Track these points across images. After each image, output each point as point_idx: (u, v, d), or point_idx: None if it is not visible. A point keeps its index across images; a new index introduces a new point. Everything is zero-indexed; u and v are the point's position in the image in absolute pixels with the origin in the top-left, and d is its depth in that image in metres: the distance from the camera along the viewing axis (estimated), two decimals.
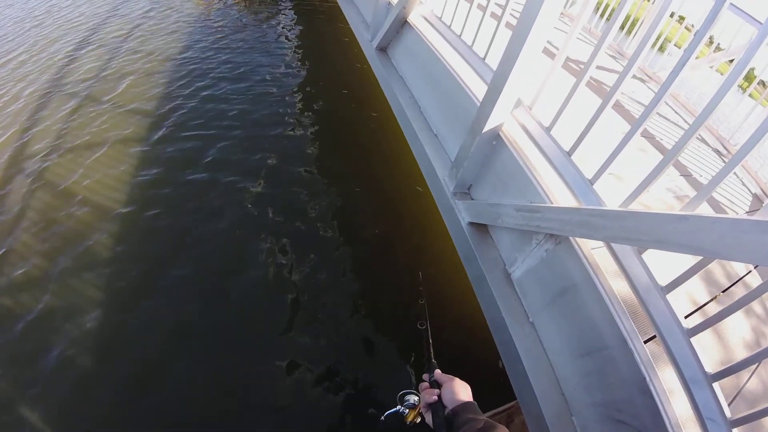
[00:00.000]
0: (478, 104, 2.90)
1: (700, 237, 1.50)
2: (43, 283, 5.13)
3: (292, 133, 8.48)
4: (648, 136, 4.01)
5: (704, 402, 1.71)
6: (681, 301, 2.39)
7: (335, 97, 10.06)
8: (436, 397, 1.51)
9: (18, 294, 5.01)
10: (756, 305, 2.83)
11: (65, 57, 9.90)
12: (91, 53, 10.09)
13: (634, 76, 5.95)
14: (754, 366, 2.11)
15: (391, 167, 7.72)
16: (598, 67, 5.16)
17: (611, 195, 2.18)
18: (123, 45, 10.57)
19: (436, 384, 1.59)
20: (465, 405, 1.43)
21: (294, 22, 14.02)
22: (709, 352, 2.24)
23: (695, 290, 2.57)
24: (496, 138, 2.86)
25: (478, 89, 3.14)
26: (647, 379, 1.83)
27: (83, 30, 11.22)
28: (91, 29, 11.26)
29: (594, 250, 2.27)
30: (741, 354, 2.27)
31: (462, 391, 1.50)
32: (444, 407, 1.47)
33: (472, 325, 3.98)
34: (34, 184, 6.43)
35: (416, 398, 1.66)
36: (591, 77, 4.56)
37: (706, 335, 2.27)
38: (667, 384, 1.84)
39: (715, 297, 2.60)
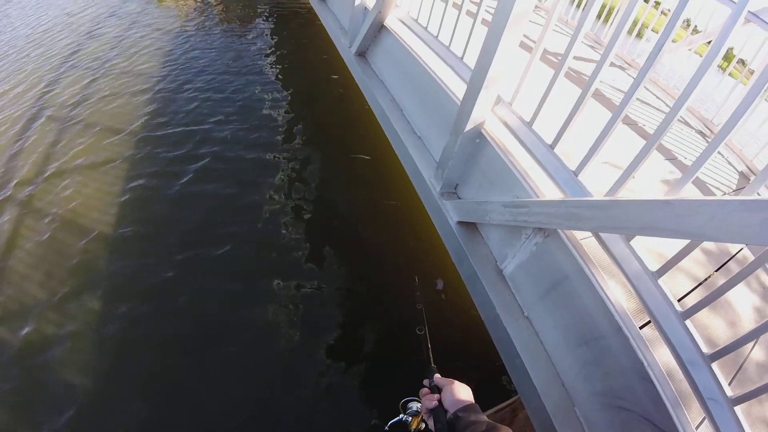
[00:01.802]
0: (459, 104, 2.90)
1: (687, 221, 1.50)
2: (39, 310, 5.08)
3: (279, 143, 8.51)
4: (631, 123, 4.03)
5: (704, 383, 1.72)
6: (676, 283, 2.41)
7: (321, 102, 10.15)
8: (436, 402, 1.49)
9: (12, 322, 4.95)
10: (753, 280, 2.86)
11: (47, 83, 9.81)
12: (71, 77, 10.02)
13: (614, 65, 5.98)
14: (753, 342, 2.13)
15: (383, 173, 7.77)
16: (578, 58, 5.23)
17: (603, 184, 2.17)
18: (103, 66, 10.50)
19: (436, 389, 1.58)
20: (466, 408, 1.41)
21: (273, 29, 14.04)
22: (709, 330, 2.25)
23: (689, 270, 2.59)
24: (478, 136, 2.87)
25: (458, 89, 3.15)
26: (645, 364, 1.83)
27: (63, 54, 11.13)
28: (70, 52, 11.19)
29: (583, 241, 2.27)
30: (742, 330, 2.28)
31: (462, 394, 1.49)
32: (445, 411, 1.46)
33: (469, 324, 3.98)
34: (23, 211, 6.39)
35: (418, 405, 1.64)
36: (571, 69, 4.62)
37: (705, 314, 2.29)
38: (666, 367, 1.84)
39: (710, 276, 2.61)
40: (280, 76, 11.13)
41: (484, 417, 1.37)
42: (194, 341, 4.92)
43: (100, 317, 5.05)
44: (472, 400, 1.48)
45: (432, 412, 1.49)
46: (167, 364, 4.67)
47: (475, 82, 2.64)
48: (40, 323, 4.94)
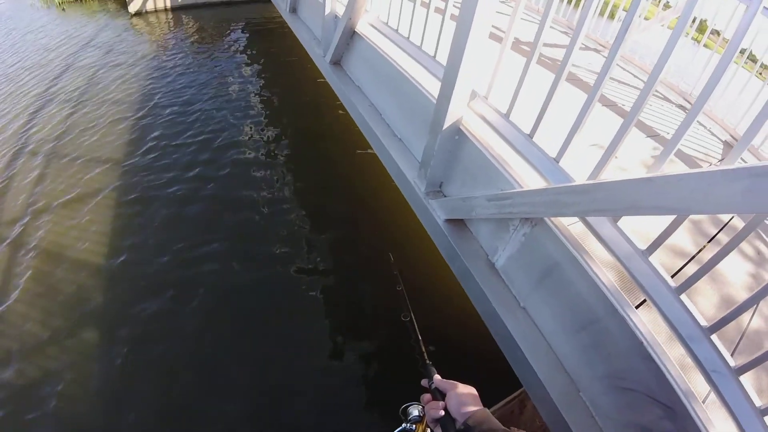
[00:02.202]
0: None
1: (670, 197, 1.50)
2: (43, 348, 5.07)
3: (263, 159, 8.65)
4: (611, 104, 4.02)
5: (705, 356, 1.71)
6: (670, 258, 2.41)
7: (300, 112, 10.32)
8: (442, 411, 1.38)
9: (20, 363, 4.92)
10: (747, 247, 2.87)
11: (29, 119, 9.75)
12: (53, 111, 9.99)
13: (588, 48, 5.99)
14: (752, 310, 2.12)
15: (360, 168, 7.94)
16: (552, 45, 5.22)
17: (591, 168, 2.15)
18: (85, 97, 10.51)
19: (437, 392, 1.48)
20: (476, 416, 1.30)
21: (250, 44, 14.16)
22: (707, 302, 2.26)
23: (682, 244, 2.60)
24: (457, 133, 2.86)
25: (434, 88, 3.13)
26: (645, 343, 1.82)
27: (43, 89, 11.07)
28: (51, 87, 11.14)
29: (571, 226, 2.27)
30: (741, 298, 2.28)
31: (469, 399, 1.38)
32: (453, 420, 1.35)
33: (466, 319, 3.96)
34: (18, 251, 6.36)
35: (420, 408, 1.57)
36: (546, 56, 4.63)
37: (701, 286, 2.29)
38: (666, 345, 1.84)
39: (702, 248, 2.61)
40: (265, 87, 11.35)
41: (496, 424, 1.27)
42: (193, 351, 5.05)
43: (104, 347, 5.10)
44: (480, 405, 1.37)
45: (439, 422, 1.39)
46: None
47: (449, 78, 2.63)
48: (48, 360, 4.95)
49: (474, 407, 1.35)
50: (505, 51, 2.53)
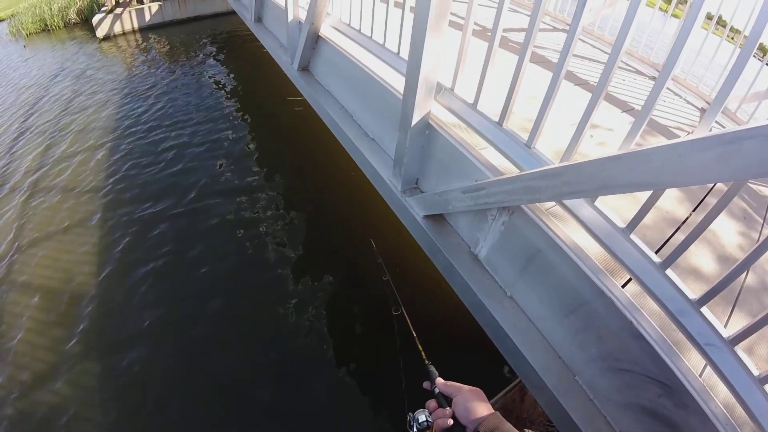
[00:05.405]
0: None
1: (641, 172, 1.48)
2: (50, 379, 5.06)
3: (238, 164, 8.89)
4: (582, 83, 3.99)
5: (697, 330, 1.68)
6: (660, 226, 2.39)
7: (276, 116, 10.56)
8: (451, 420, 1.32)
9: (25, 396, 4.92)
10: (735, 209, 2.88)
11: (6, 153, 9.74)
12: (30, 144, 9.96)
13: (557, 29, 5.97)
14: (743, 276, 2.09)
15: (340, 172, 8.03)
16: (519, 30, 5.18)
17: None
18: (61, 127, 10.48)
19: (442, 397, 1.43)
20: (488, 423, 1.24)
21: (220, 57, 14.26)
22: (698, 271, 2.24)
23: (671, 208, 2.61)
24: (427, 127, 2.83)
25: (400, 85, 3.09)
26: (635, 322, 1.80)
27: (17, 122, 11.04)
28: (25, 119, 11.10)
29: (549, 210, 2.25)
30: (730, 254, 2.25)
31: (477, 403, 1.32)
32: (463, 428, 1.30)
33: (454, 314, 3.93)
34: (6, 288, 6.31)
35: (426, 413, 1.49)
36: (513, 42, 4.59)
37: (691, 255, 2.28)
38: (657, 321, 1.81)
39: (688, 217, 2.60)
40: (239, 100, 11.39)
41: (509, 428, 1.21)
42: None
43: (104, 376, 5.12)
44: (490, 409, 1.31)
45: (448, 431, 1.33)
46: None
47: (412, 73, 2.60)
48: (51, 392, 4.95)
49: (484, 412, 1.29)
50: (466, 39, 2.48)
